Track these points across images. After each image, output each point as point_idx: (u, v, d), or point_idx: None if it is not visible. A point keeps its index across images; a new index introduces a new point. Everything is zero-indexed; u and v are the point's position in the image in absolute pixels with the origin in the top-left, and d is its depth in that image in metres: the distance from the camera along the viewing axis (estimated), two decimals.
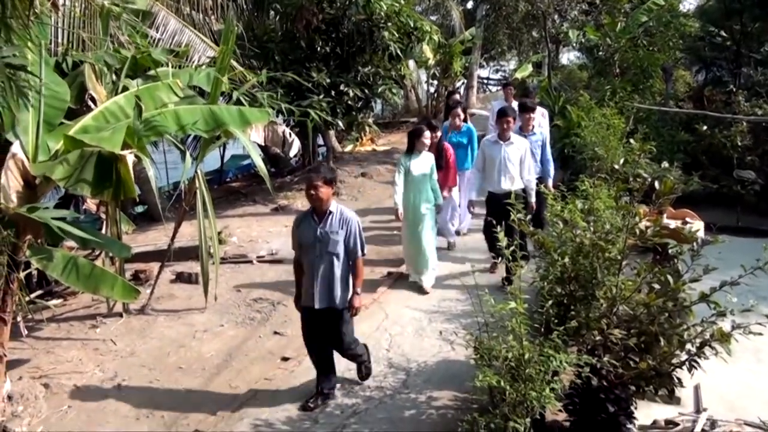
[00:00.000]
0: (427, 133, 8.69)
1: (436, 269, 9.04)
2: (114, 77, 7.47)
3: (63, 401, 6.65)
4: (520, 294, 4.44)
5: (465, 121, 10.91)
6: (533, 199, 8.78)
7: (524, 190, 8.69)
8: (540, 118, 10.73)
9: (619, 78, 15.55)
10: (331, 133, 17.13)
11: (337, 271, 5.85)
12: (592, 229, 5.23)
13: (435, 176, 8.78)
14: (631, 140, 5.77)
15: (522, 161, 8.76)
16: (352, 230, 5.89)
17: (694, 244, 5.15)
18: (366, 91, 14.49)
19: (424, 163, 8.68)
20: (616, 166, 7.05)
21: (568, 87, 18.39)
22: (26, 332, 8.06)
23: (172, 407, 6.48)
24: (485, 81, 34.99)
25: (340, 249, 5.84)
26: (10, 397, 6.43)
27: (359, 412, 5.99)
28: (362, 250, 5.99)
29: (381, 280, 9.43)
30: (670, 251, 6.15)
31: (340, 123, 14.21)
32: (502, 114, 8.70)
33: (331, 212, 5.85)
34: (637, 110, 12.85)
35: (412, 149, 8.71)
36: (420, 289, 8.86)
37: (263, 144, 9.62)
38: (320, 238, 5.80)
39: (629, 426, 4.94)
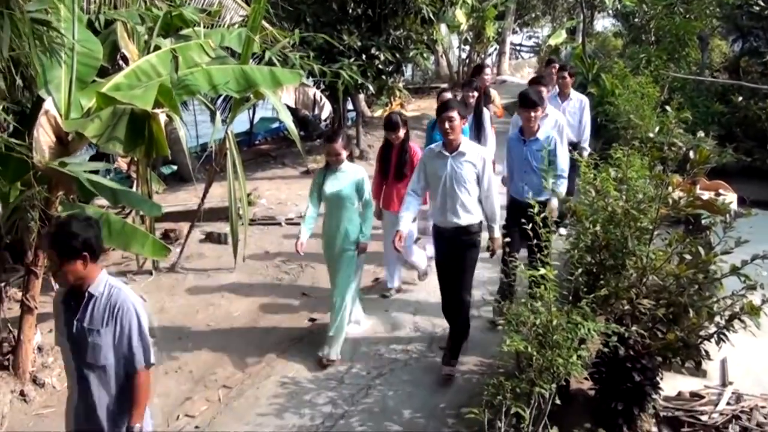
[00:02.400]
0: (337, 147, 6.35)
1: (353, 327, 6.90)
2: (146, 36, 7.48)
3: None
4: (550, 261, 4.41)
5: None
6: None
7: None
8: (572, 109, 9.38)
9: (655, 46, 15.27)
10: (361, 97, 17.01)
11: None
12: (624, 197, 5.17)
13: (368, 197, 6.55)
14: (667, 107, 5.66)
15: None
16: None
17: (727, 216, 5.08)
18: (397, 55, 14.33)
19: (343, 180, 6.42)
20: (651, 135, 6.92)
21: (602, 54, 18.14)
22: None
23: (200, 363, 6.58)
24: (518, 47, 34.56)
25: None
26: (40, 348, 6.57)
27: (384, 374, 6.04)
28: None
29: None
30: (702, 222, 6.08)
31: (371, 87, 14.11)
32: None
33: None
34: (672, 79, 12.66)
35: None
36: (320, 361, 6.45)
37: (293, 106, 9.60)
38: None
39: (654, 396, 4.93)
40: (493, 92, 10.52)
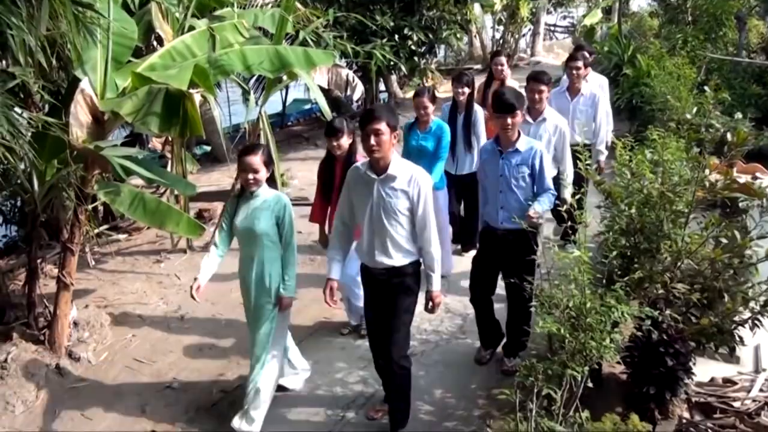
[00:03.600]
0: (254, 162, 4.95)
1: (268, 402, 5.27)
2: (180, 17, 7.52)
3: (127, 330, 6.90)
4: (585, 243, 4.39)
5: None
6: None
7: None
8: (597, 90, 8.29)
9: (691, 26, 15.04)
10: (393, 78, 17.00)
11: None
12: (660, 180, 5.11)
13: (290, 238, 5.09)
14: (705, 88, 5.57)
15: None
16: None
17: (764, 200, 5.01)
18: (430, 35, 14.28)
19: (260, 211, 5.03)
20: (689, 116, 6.81)
21: (638, 35, 17.88)
22: (93, 263, 8.36)
23: (233, 340, 6.66)
24: (552, 28, 34.15)
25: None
26: (76, 324, 6.70)
27: (415, 354, 6.05)
28: None
29: None
30: (739, 206, 5.99)
31: (403, 67, 14.07)
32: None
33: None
34: (709, 60, 12.46)
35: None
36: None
37: (326, 87, 9.60)
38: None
39: (687, 381, 4.89)
40: (513, 84, 8.52)
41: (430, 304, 4.81)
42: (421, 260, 4.81)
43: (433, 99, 7.16)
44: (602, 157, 7.95)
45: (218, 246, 5.24)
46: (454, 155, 7.67)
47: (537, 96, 6.66)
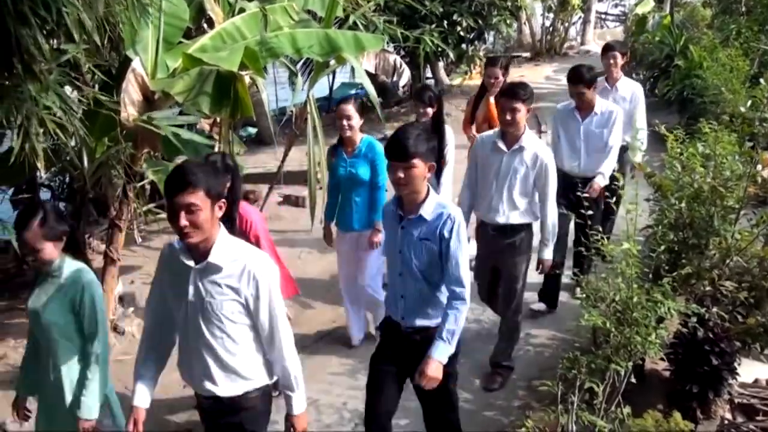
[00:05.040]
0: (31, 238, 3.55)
1: None
2: None
3: None
4: (634, 236, 4.33)
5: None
6: None
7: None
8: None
9: (745, 17, 14.65)
10: (440, 64, 16.90)
11: None
12: (711, 174, 5.01)
13: (98, 345, 3.68)
14: (761, 80, 5.43)
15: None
16: None
17: None
18: (480, 21, 14.15)
19: (53, 296, 3.69)
20: (742, 109, 6.65)
21: (690, 25, 17.51)
22: (140, 240, 8.49)
23: None
24: (603, 16, 33.62)
25: None
26: (121, 299, 6.84)
27: None
28: None
29: None
30: None
31: (451, 54, 13.98)
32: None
33: None
34: (763, 52, 12.15)
35: None
36: None
37: (373, 72, 9.59)
38: None
39: (731, 381, 4.82)
40: None
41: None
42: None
43: (362, 110, 5.78)
44: (601, 181, 6.29)
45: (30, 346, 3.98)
46: None
47: (509, 116, 5.05)
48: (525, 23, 24.41)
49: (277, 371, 3.43)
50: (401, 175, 3.62)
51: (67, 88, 5.18)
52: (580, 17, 26.05)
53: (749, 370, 5.34)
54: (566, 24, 23.99)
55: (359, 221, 5.85)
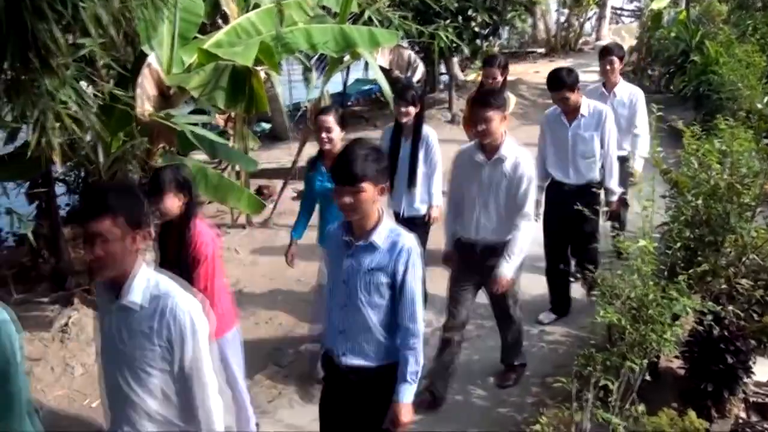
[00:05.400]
0: None
1: None
2: None
3: None
4: (650, 233, 4.31)
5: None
6: None
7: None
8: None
9: (762, 12, 14.55)
10: (455, 60, 16.86)
11: None
12: (727, 171, 4.98)
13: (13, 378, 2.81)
14: None
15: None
16: None
17: None
18: (494, 17, 14.11)
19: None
20: (759, 105, 6.58)
21: (706, 21, 17.40)
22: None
23: (290, 315, 6.73)
24: (618, 11, 33.45)
25: None
26: None
27: (470, 338, 6.02)
28: None
29: None
30: None
31: (465, 50, 13.93)
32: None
33: None
34: None
35: None
36: None
37: (387, 67, 9.57)
38: None
39: (746, 380, 4.79)
40: (510, 97, 7.01)
41: None
42: None
43: (342, 121, 5.29)
44: (614, 197, 6.23)
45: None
46: (391, 193, 5.75)
47: (484, 126, 4.72)
48: (540, 19, 24.32)
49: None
50: (348, 200, 3.23)
51: (83, 83, 5.20)
52: (595, 12, 25.94)
53: (764, 369, 5.31)
54: (581, 19, 23.89)
55: None
